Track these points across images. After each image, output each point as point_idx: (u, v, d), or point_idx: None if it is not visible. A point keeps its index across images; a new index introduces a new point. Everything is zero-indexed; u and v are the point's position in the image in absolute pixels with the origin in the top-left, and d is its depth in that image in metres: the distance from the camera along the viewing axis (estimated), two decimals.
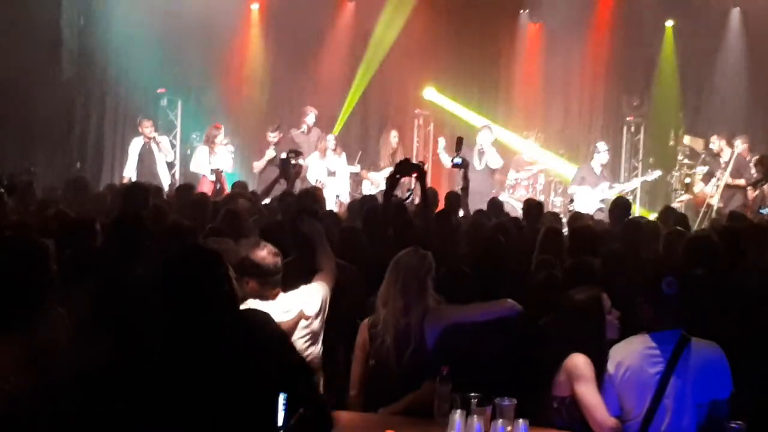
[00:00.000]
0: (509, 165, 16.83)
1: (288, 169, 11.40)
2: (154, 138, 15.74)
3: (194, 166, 15.63)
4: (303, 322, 5.66)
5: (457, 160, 10.17)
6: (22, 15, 15.23)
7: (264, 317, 4.08)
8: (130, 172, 15.68)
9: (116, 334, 5.47)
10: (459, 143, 10.65)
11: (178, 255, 4.13)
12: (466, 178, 10.44)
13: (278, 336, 4.05)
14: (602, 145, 15.85)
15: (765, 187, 14.16)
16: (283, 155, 12.08)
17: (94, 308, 5.57)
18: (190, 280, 3.97)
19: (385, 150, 16.56)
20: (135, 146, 15.80)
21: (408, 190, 8.02)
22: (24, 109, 15.46)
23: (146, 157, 15.67)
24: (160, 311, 4.49)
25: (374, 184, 16.14)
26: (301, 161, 13.98)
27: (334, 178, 16.00)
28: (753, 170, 14.65)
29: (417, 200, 8.98)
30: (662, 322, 4.94)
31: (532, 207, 10.32)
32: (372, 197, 10.97)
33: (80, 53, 16.63)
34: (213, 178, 15.00)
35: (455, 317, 5.47)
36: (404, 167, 7.41)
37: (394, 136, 16.53)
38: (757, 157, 14.77)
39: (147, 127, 15.78)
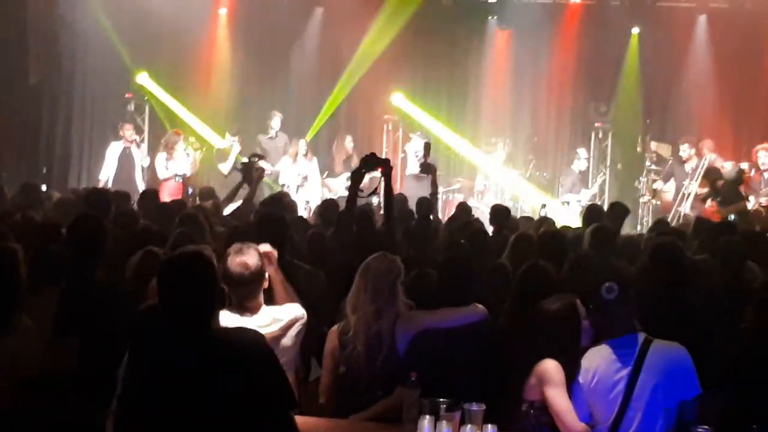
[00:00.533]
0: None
1: (250, 172, 11.29)
2: (135, 141, 15.70)
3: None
4: (282, 342, 5.34)
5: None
6: None
7: (254, 338, 3.95)
8: (106, 176, 15.59)
9: (81, 339, 5.45)
10: (427, 149, 10.67)
11: (177, 257, 4.06)
12: (434, 184, 10.46)
13: (265, 361, 3.89)
14: (582, 152, 16.20)
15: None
16: (245, 159, 11.99)
17: (57, 314, 5.52)
18: (187, 283, 3.89)
19: (339, 155, 16.59)
20: (113, 150, 15.72)
21: (374, 190, 7.85)
22: None
23: (125, 162, 15.62)
24: (129, 316, 4.46)
25: (332, 190, 16.13)
26: (265, 165, 14.05)
27: (306, 183, 16.01)
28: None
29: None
30: (616, 327, 4.96)
31: (500, 212, 10.32)
32: (332, 201, 11.00)
33: (47, 58, 16.50)
34: (173, 183, 15.00)
35: (426, 323, 5.45)
36: (370, 162, 7.29)
37: (349, 141, 16.63)
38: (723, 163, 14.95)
39: (129, 131, 15.73)
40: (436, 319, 5.49)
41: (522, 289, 5.59)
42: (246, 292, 5.12)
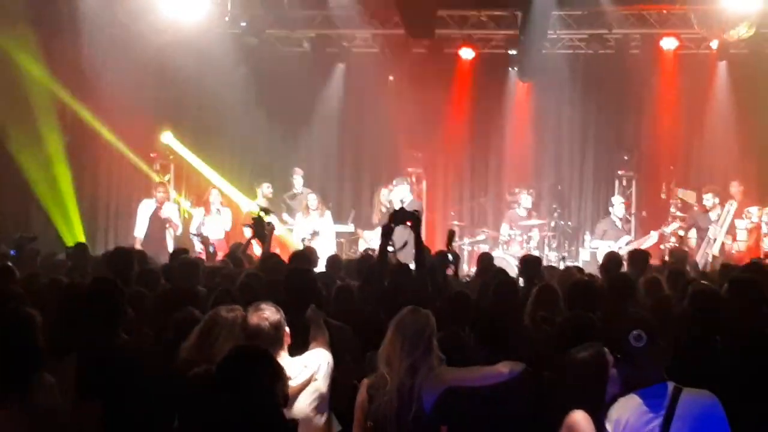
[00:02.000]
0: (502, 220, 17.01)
1: (261, 228, 11.29)
2: (163, 200, 15.90)
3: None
4: (311, 387, 5.61)
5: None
6: (15, 83, 15.34)
7: None
8: (140, 234, 15.79)
9: (106, 403, 5.46)
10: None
11: (234, 357, 4.17)
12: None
13: None
14: (616, 199, 16.39)
15: None
16: (255, 215, 11.97)
17: (77, 378, 5.54)
18: (243, 384, 4.08)
19: (377, 208, 16.65)
20: (145, 209, 15.92)
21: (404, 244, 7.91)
22: (21, 175, 15.52)
23: (155, 221, 15.79)
24: (161, 379, 4.50)
25: (368, 242, 16.20)
26: (275, 220, 14.19)
27: (318, 237, 16.08)
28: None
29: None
30: (645, 376, 4.91)
31: (530, 263, 10.27)
32: (369, 255, 11.01)
33: (74, 118, 16.71)
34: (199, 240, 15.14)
35: (454, 381, 5.40)
36: (399, 216, 7.35)
37: (385, 195, 16.63)
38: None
39: (161, 192, 15.92)
40: (463, 376, 5.45)
41: (563, 339, 5.54)
42: (266, 344, 5.21)
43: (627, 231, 16.32)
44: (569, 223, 17.55)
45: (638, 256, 10.47)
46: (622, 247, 15.66)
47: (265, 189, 16.69)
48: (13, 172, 15.73)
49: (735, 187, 15.75)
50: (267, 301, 5.63)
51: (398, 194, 15.57)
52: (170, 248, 15.17)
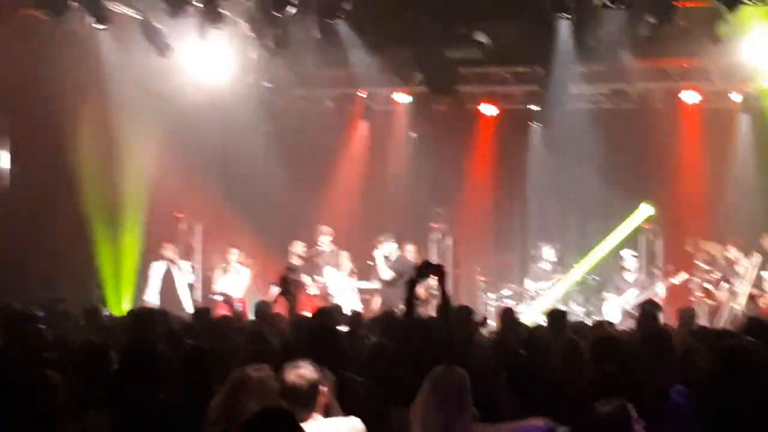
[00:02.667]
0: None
1: (287, 286, 11.30)
2: (174, 260, 15.94)
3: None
4: None
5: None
6: (42, 148, 15.51)
7: None
8: (152, 297, 15.82)
9: None
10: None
11: (257, 419, 4.17)
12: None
13: None
14: (626, 252, 16.14)
15: None
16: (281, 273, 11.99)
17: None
18: None
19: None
20: (156, 270, 15.99)
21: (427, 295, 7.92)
22: (47, 239, 15.62)
23: (168, 281, 15.85)
24: None
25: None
26: (305, 278, 14.23)
27: (351, 295, 16.16)
28: None
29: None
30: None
31: (556, 317, 10.23)
32: (391, 311, 11.04)
33: (99, 181, 16.80)
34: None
35: None
36: (424, 269, 7.34)
37: (409, 251, 16.66)
38: None
39: (168, 251, 15.98)
40: None
41: (590, 394, 5.53)
42: (301, 403, 5.19)
43: (639, 285, 16.24)
44: (595, 277, 17.47)
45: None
46: (629, 300, 15.77)
47: (298, 247, 16.69)
48: (40, 234, 15.84)
49: (758, 245, 15.73)
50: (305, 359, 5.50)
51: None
52: (188, 308, 15.26)
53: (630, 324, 12.74)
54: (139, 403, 5.84)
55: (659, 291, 16.03)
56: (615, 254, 17.19)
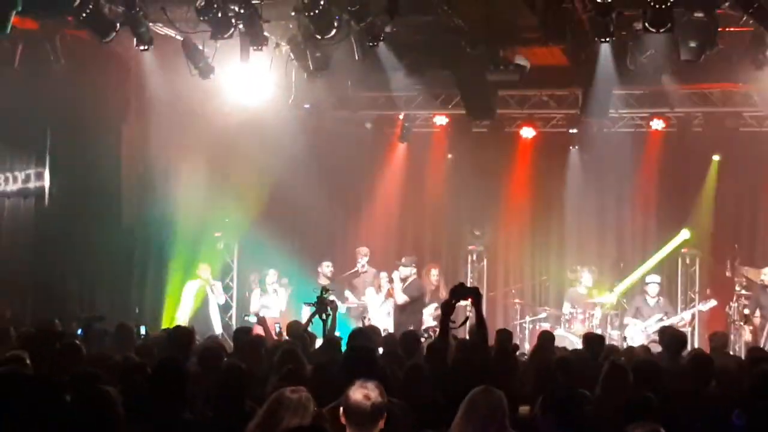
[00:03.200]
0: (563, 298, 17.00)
1: (323, 306, 11.31)
2: (208, 281, 16.05)
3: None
4: None
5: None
6: (82, 167, 15.66)
7: None
8: (183, 315, 15.94)
9: None
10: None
11: None
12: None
13: None
14: (650, 277, 16.29)
15: None
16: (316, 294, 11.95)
17: None
18: None
19: (427, 288, 16.73)
20: (190, 289, 16.11)
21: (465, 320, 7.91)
22: (85, 257, 15.75)
23: (199, 302, 15.99)
24: None
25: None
26: (345, 298, 14.10)
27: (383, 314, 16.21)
28: None
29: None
30: None
31: (593, 341, 10.15)
32: (413, 332, 11.07)
33: (139, 201, 16.97)
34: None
35: None
36: (459, 292, 7.30)
37: (434, 275, 16.81)
38: None
39: (203, 271, 16.11)
40: None
41: (626, 419, 5.49)
42: (361, 423, 5.08)
43: (662, 309, 16.21)
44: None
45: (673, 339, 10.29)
46: (651, 325, 15.86)
47: (325, 268, 16.83)
48: (79, 253, 15.97)
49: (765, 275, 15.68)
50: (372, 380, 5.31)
51: (402, 274, 15.75)
52: (217, 328, 15.37)
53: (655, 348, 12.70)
54: (166, 421, 5.84)
55: (684, 317, 15.98)
56: (641, 280, 17.16)
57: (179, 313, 16.16)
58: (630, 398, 6.25)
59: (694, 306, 16.83)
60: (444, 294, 16.17)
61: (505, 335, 10.35)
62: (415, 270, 16.15)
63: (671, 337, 10.19)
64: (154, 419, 5.88)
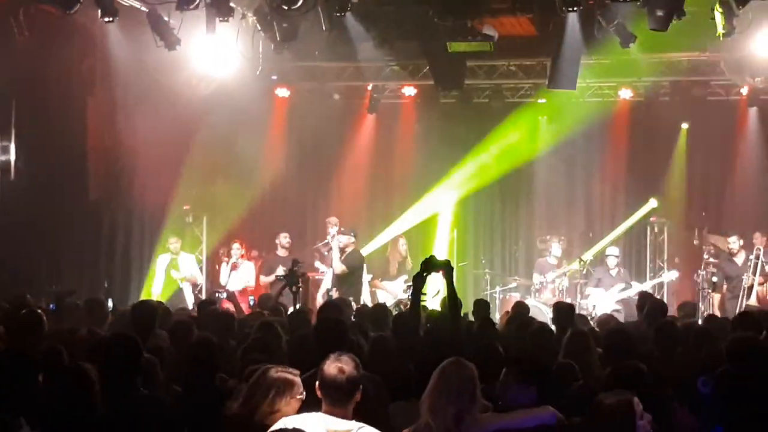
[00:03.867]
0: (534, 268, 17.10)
1: (294, 278, 11.29)
2: (178, 254, 16.01)
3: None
4: None
5: None
6: (48, 140, 15.52)
7: None
8: (158, 289, 15.89)
9: None
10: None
11: None
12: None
13: None
14: (610, 250, 16.73)
15: None
16: (281, 271, 11.88)
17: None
18: None
19: (393, 258, 16.72)
20: (162, 263, 16.06)
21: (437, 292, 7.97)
22: (52, 231, 15.63)
23: (170, 275, 15.94)
24: None
25: (391, 293, 16.25)
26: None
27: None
28: None
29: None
30: (701, 422, 4.86)
31: (563, 310, 10.19)
32: (382, 305, 11.09)
33: (106, 174, 16.86)
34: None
35: (495, 425, 5.40)
36: (430, 265, 7.32)
37: (402, 244, 16.72)
38: None
39: (172, 244, 16.06)
40: (504, 421, 5.45)
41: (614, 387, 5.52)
42: (337, 397, 5.12)
43: (623, 279, 16.37)
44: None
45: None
46: (614, 294, 16.09)
47: (283, 239, 16.67)
48: (46, 226, 15.85)
49: (758, 237, 15.78)
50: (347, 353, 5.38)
51: (340, 242, 15.61)
52: (189, 302, 15.31)
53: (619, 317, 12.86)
54: (121, 398, 5.76)
55: (644, 287, 16.16)
56: (630, 247, 17.31)
57: (155, 287, 16.10)
58: (618, 368, 6.21)
59: (656, 277, 16.98)
60: (411, 264, 16.22)
61: (485, 306, 10.47)
62: (353, 239, 15.79)
63: (652, 305, 10.26)
64: (109, 395, 5.78)
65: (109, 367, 5.82)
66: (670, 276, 16.63)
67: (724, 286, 16.03)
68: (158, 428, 5.62)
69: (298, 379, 5.33)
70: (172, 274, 16.18)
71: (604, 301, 15.99)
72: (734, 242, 15.91)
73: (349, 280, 15.32)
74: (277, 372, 5.35)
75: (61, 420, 5.07)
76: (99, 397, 5.24)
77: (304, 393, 5.27)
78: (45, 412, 5.27)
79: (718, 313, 14.47)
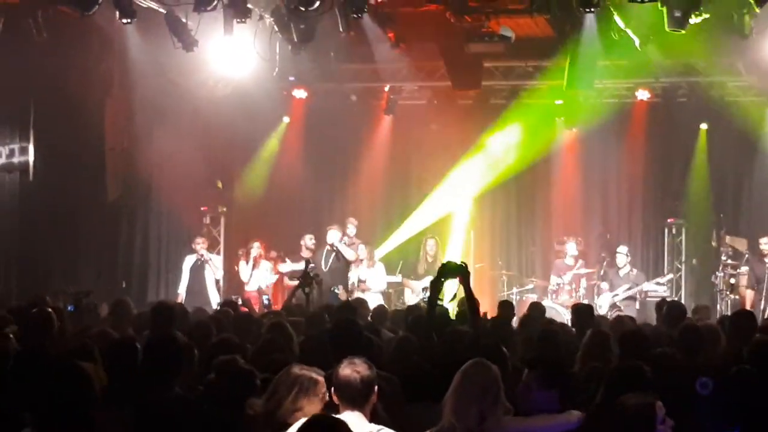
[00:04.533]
0: (550, 270, 17.03)
1: (308, 280, 11.33)
2: (203, 255, 16.03)
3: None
4: None
5: None
6: (67, 141, 15.59)
7: None
8: (183, 290, 15.95)
9: None
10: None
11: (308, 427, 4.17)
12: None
13: None
14: (621, 248, 16.61)
15: None
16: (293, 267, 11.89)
17: (137, 429, 5.58)
18: None
19: (423, 258, 16.70)
20: (187, 263, 16.09)
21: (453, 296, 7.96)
22: (70, 232, 15.71)
23: (197, 275, 15.94)
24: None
25: (414, 292, 16.26)
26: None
27: (366, 289, 16.12)
28: None
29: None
30: (706, 425, 4.83)
31: (582, 311, 10.15)
32: (417, 307, 11.04)
33: (124, 175, 16.93)
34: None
35: (519, 428, 5.40)
36: (448, 270, 7.33)
37: (430, 245, 16.69)
38: None
39: (198, 244, 16.08)
40: (530, 425, 5.44)
41: (614, 387, 5.51)
42: (352, 397, 5.11)
43: (632, 280, 16.35)
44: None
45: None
46: (619, 294, 16.13)
47: (308, 241, 16.74)
48: (63, 227, 15.91)
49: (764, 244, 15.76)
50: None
51: (329, 239, 15.89)
52: (213, 302, 15.33)
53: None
54: (157, 398, 5.81)
55: (649, 288, 16.12)
56: (647, 249, 17.29)
57: (179, 288, 16.15)
58: (620, 367, 6.21)
59: (654, 280, 16.90)
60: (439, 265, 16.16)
61: (507, 304, 10.50)
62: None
63: (671, 306, 10.23)
64: (147, 393, 5.84)
65: (150, 367, 5.89)
66: (666, 278, 16.69)
67: (744, 287, 15.91)
68: (191, 428, 5.64)
69: (321, 379, 5.28)
70: (207, 274, 16.19)
71: (603, 303, 16.08)
72: (765, 243, 15.80)
73: (338, 271, 15.92)
74: (302, 369, 5.36)
75: (62, 420, 5.07)
76: (98, 397, 5.23)
77: (327, 394, 5.26)
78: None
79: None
